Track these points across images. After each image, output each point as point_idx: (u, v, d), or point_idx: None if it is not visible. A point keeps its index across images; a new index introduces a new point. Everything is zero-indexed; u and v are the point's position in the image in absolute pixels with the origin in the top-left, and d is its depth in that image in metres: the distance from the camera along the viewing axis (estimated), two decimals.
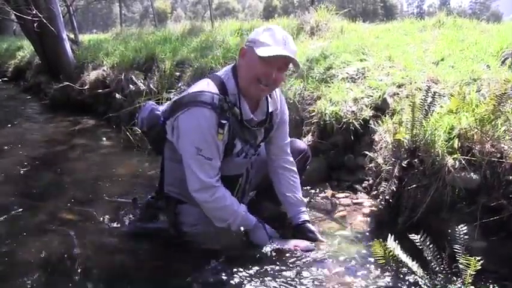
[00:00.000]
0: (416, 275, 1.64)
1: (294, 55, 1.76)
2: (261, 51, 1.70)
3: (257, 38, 1.74)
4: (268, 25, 1.77)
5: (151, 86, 4.51)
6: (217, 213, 1.86)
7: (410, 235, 1.71)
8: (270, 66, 1.74)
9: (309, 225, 2.04)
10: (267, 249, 1.91)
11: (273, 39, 1.72)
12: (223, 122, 1.75)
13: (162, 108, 2.03)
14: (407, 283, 1.67)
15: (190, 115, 1.76)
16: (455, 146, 2.02)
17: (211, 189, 1.81)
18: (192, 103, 1.77)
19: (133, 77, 4.67)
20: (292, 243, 1.95)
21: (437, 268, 1.66)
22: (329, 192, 2.67)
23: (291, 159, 2.12)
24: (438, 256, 1.68)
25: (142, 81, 4.57)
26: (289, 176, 2.09)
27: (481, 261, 1.52)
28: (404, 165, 2.12)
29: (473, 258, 1.52)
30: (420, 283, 1.62)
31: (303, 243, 1.95)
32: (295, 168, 2.12)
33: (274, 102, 1.97)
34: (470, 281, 1.55)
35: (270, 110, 1.95)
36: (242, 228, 1.91)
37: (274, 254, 1.89)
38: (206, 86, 1.82)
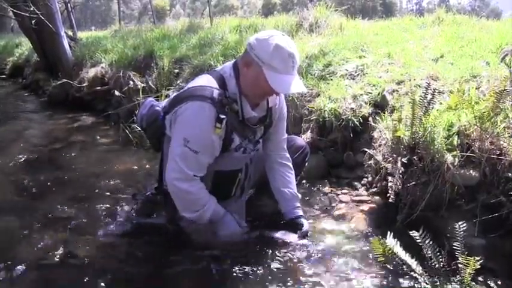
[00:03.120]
0: (416, 272, 1.64)
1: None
2: (272, 81, 1.69)
3: (266, 60, 1.68)
4: (272, 33, 1.71)
5: (150, 83, 4.51)
6: (190, 203, 1.85)
7: (409, 232, 1.71)
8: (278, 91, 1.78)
9: (303, 220, 2.03)
10: (264, 245, 1.91)
11: (283, 64, 1.68)
12: (222, 116, 1.75)
13: (162, 104, 2.02)
14: (406, 280, 1.67)
15: (189, 108, 1.76)
16: (455, 143, 2.02)
17: (191, 180, 1.80)
18: (192, 97, 1.77)
19: (131, 74, 4.65)
20: (289, 238, 1.95)
21: (436, 265, 1.66)
22: (328, 189, 2.66)
23: (287, 155, 2.12)
24: (437, 253, 1.68)
25: (139, 80, 4.55)
26: (284, 171, 2.08)
27: (481, 260, 1.52)
28: (404, 162, 2.12)
29: (472, 258, 1.52)
30: (419, 280, 1.62)
31: (297, 238, 1.95)
32: (291, 164, 2.12)
33: (274, 98, 1.97)
34: (469, 278, 1.55)
35: (269, 106, 1.94)
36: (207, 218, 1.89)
37: (271, 250, 1.89)
38: (206, 81, 1.82)
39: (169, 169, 1.81)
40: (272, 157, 2.09)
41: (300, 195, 2.12)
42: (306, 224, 2.01)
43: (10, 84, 8.84)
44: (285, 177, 2.08)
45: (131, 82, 4.63)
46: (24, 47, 9.62)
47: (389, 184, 2.20)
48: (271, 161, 2.10)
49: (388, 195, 2.20)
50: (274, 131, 2.05)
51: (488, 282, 1.64)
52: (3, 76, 9.65)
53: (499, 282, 1.65)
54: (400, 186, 2.13)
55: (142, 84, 4.43)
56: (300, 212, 2.05)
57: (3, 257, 1.94)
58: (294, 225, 2.02)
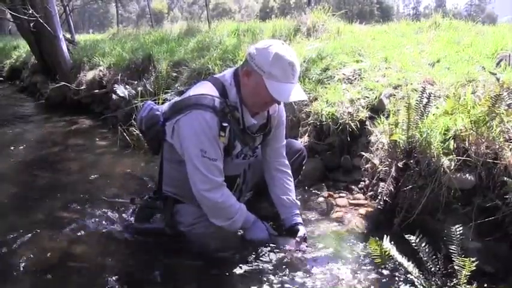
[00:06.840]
0: (412, 275, 1.64)
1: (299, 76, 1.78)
2: (272, 89, 1.69)
3: (266, 68, 1.69)
4: (272, 43, 1.72)
5: (147, 86, 4.51)
6: (223, 212, 1.86)
7: (406, 235, 1.72)
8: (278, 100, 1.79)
9: (302, 227, 2.04)
10: (263, 249, 1.92)
11: (283, 72, 1.69)
12: (225, 125, 1.77)
13: (162, 108, 2.03)
14: (403, 283, 1.68)
15: (192, 118, 1.77)
16: (451, 147, 2.03)
17: (220, 188, 1.83)
18: (194, 106, 1.77)
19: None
20: (289, 244, 1.96)
21: (432, 268, 1.67)
22: (325, 192, 2.67)
23: (286, 162, 2.14)
24: (434, 256, 1.68)
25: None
26: (283, 178, 2.09)
27: (476, 262, 1.53)
28: (400, 166, 2.13)
29: (468, 259, 1.53)
30: (416, 283, 1.63)
31: (295, 243, 1.96)
32: (289, 171, 2.13)
33: (273, 105, 1.98)
34: (465, 281, 1.56)
35: (269, 113, 1.96)
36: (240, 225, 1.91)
37: (270, 253, 1.90)
38: (208, 89, 1.82)
39: (196, 181, 1.81)
40: (271, 164, 2.10)
41: (299, 203, 2.12)
42: (302, 230, 2.02)
43: (7, 86, 8.84)
44: (285, 185, 2.09)
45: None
46: (22, 49, 9.62)
47: (380, 190, 2.21)
48: (270, 168, 2.11)
49: (378, 201, 2.21)
50: (273, 137, 2.06)
51: (484, 285, 1.66)
52: (1, 79, 9.63)
53: (494, 286, 1.66)
54: (391, 192, 2.15)
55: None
56: (299, 220, 2.06)
57: (1, 259, 1.94)
58: (293, 232, 2.02)
